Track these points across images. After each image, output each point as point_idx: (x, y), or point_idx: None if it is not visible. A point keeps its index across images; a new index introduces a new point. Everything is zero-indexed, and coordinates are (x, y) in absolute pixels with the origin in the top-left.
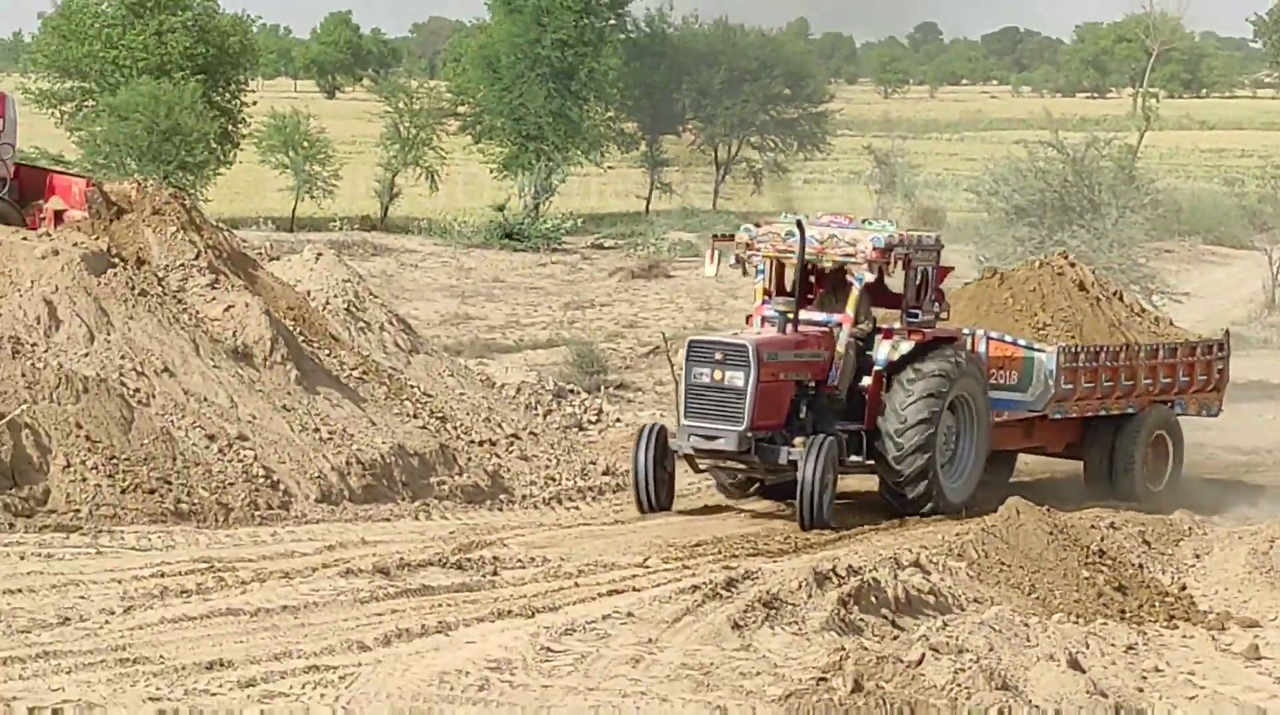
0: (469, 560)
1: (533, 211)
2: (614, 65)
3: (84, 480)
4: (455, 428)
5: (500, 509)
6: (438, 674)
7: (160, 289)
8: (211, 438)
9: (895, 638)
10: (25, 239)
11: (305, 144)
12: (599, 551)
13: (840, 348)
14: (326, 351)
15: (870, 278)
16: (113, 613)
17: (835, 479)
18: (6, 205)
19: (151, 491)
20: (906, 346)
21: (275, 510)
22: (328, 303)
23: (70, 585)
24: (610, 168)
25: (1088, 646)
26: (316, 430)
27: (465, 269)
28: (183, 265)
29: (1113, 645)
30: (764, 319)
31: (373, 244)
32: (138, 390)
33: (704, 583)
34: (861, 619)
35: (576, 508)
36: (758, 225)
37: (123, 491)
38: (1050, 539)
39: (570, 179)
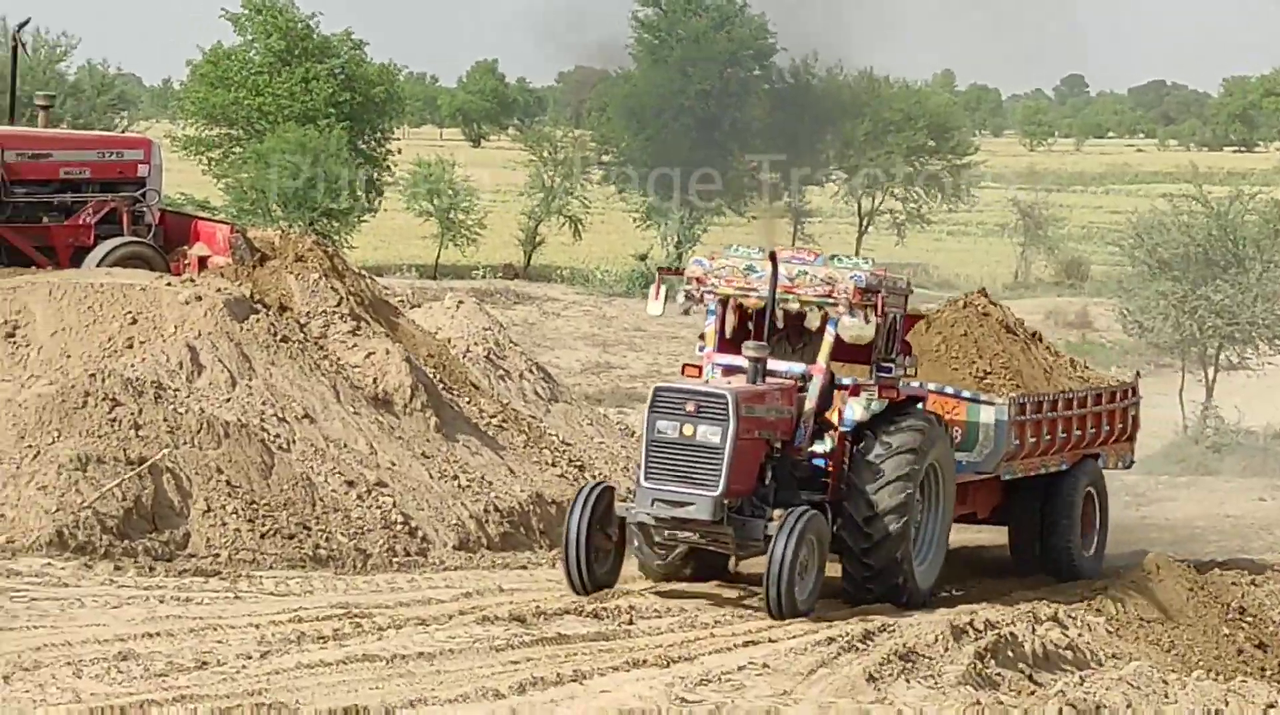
0: (605, 609)
1: (675, 261)
2: (758, 115)
3: (224, 525)
4: (593, 476)
5: (637, 558)
6: None
7: (302, 335)
8: (351, 484)
9: (1032, 693)
10: (169, 285)
11: (450, 192)
12: (734, 602)
13: (810, 404)
14: (466, 399)
15: (850, 322)
16: (250, 657)
17: (820, 560)
18: (152, 251)
19: (290, 537)
20: (879, 406)
21: (413, 557)
22: (468, 350)
23: (208, 629)
24: (753, 217)
25: (1227, 704)
26: (455, 477)
27: (607, 318)
28: (324, 312)
29: (1252, 703)
30: (723, 368)
31: (515, 292)
32: (278, 436)
33: (840, 635)
34: (998, 674)
35: None
36: (712, 258)
37: (262, 536)
38: (1190, 595)
39: (712, 228)
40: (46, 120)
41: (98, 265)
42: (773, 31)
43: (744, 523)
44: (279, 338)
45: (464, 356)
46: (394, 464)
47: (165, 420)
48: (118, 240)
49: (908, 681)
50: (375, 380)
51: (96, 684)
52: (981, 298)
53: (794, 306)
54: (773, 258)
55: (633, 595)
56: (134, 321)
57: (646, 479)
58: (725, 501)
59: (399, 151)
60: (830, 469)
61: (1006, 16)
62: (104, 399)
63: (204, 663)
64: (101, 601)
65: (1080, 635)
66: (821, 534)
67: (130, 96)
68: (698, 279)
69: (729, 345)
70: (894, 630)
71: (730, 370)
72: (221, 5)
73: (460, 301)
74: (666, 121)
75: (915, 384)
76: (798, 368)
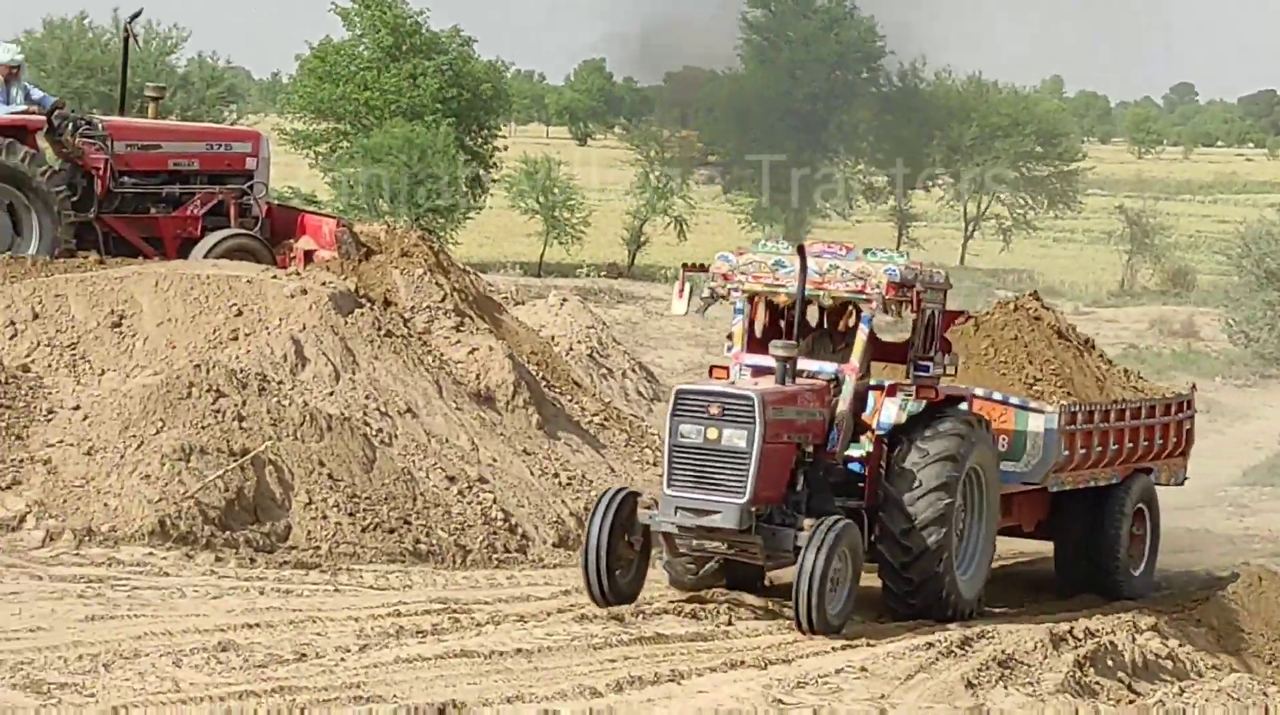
0: (704, 609)
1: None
2: (865, 118)
3: (324, 517)
4: None
5: (665, 571)
6: None
7: (406, 330)
8: (452, 479)
9: (1131, 702)
10: (275, 278)
11: (555, 190)
12: None
13: (844, 406)
14: (568, 397)
15: (884, 319)
16: (348, 650)
17: (854, 572)
18: (258, 243)
19: (391, 531)
20: (916, 407)
21: (513, 553)
22: (571, 348)
23: (308, 621)
24: (858, 221)
25: None
26: (556, 475)
27: (709, 318)
28: (429, 307)
29: None
30: (751, 370)
31: (618, 291)
32: (380, 430)
33: (938, 640)
34: (1097, 682)
35: None
36: (739, 253)
37: (362, 530)
38: None
39: (817, 231)
40: (156, 112)
41: (204, 257)
42: (881, 35)
43: (774, 532)
44: (383, 332)
45: (567, 354)
46: (495, 460)
47: (269, 412)
48: (224, 232)
49: (1006, 688)
50: (478, 376)
51: (196, 674)
52: (1033, 301)
53: (826, 302)
54: (800, 251)
55: (732, 595)
56: (239, 314)
57: (670, 486)
58: (753, 509)
59: (505, 149)
60: (867, 474)
61: (1115, 23)
62: (208, 390)
63: (303, 655)
64: (202, 592)
65: (1180, 645)
66: (855, 545)
67: (239, 90)
68: (724, 275)
69: (760, 345)
70: (993, 636)
71: (760, 371)
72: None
73: (564, 299)
74: (773, 123)
75: (962, 388)
76: (830, 368)
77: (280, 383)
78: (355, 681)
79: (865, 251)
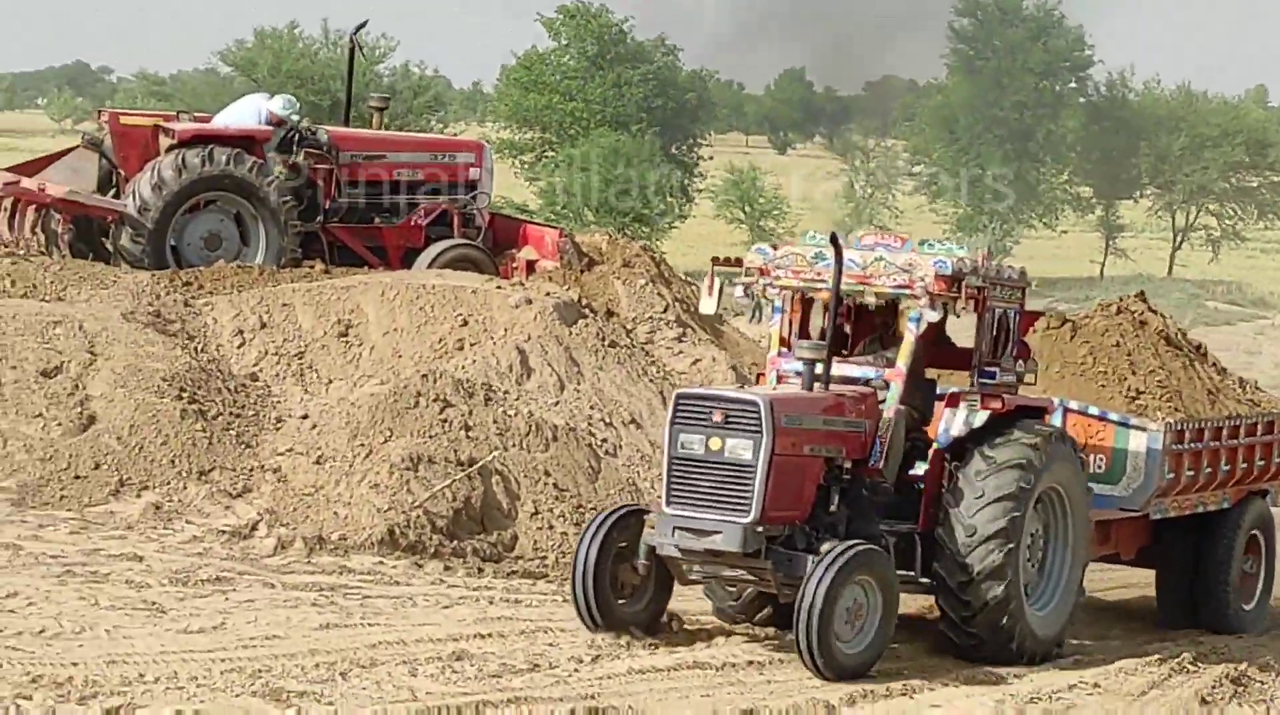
0: (932, 620)
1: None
2: (1072, 128)
3: (550, 527)
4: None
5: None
6: None
7: (629, 341)
8: None
9: None
10: (500, 288)
11: (761, 199)
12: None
13: (888, 415)
14: None
15: (934, 317)
16: (581, 661)
17: (884, 606)
18: (481, 253)
19: None
20: (980, 418)
21: None
22: None
23: (539, 631)
24: (1064, 232)
25: None
26: None
27: None
28: (651, 317)
29: None
30: (780, 376)
31: None
32: (605, 440)
33: (1170, 656)
34: None
35: None
36: (775, 247)
37: None
38: None
39: (1023, 241)
40: (380, 121)
41: (428, 267)
42: (1090, 44)
43: (790, 557)
44: (607, 343)
45: None
46: None
47: (495, 422)
48: (448, 242)
49: (1240, 705)
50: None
51: (432, 683)
52: (1139, 302)
53: (870, 300)
54: (834, 242)
55: None
56: (465, 323)
57: (669, 503)
58: (760, 530)
59: (710, 158)
60: (924, 492)
61: None
62: (435, 400)
63: (536, 665)
64: (433, 601)
65: None
66: (882, 574)
67: (443, 99)
68: (760, 270)
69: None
70: (1225, 653)
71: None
72: (537, 9)
73: None
74: (979, 133)
75: (1054, 401)
76: (872, 373)
77: (506, 393)
78: (590, 693)
79: (921, 243)
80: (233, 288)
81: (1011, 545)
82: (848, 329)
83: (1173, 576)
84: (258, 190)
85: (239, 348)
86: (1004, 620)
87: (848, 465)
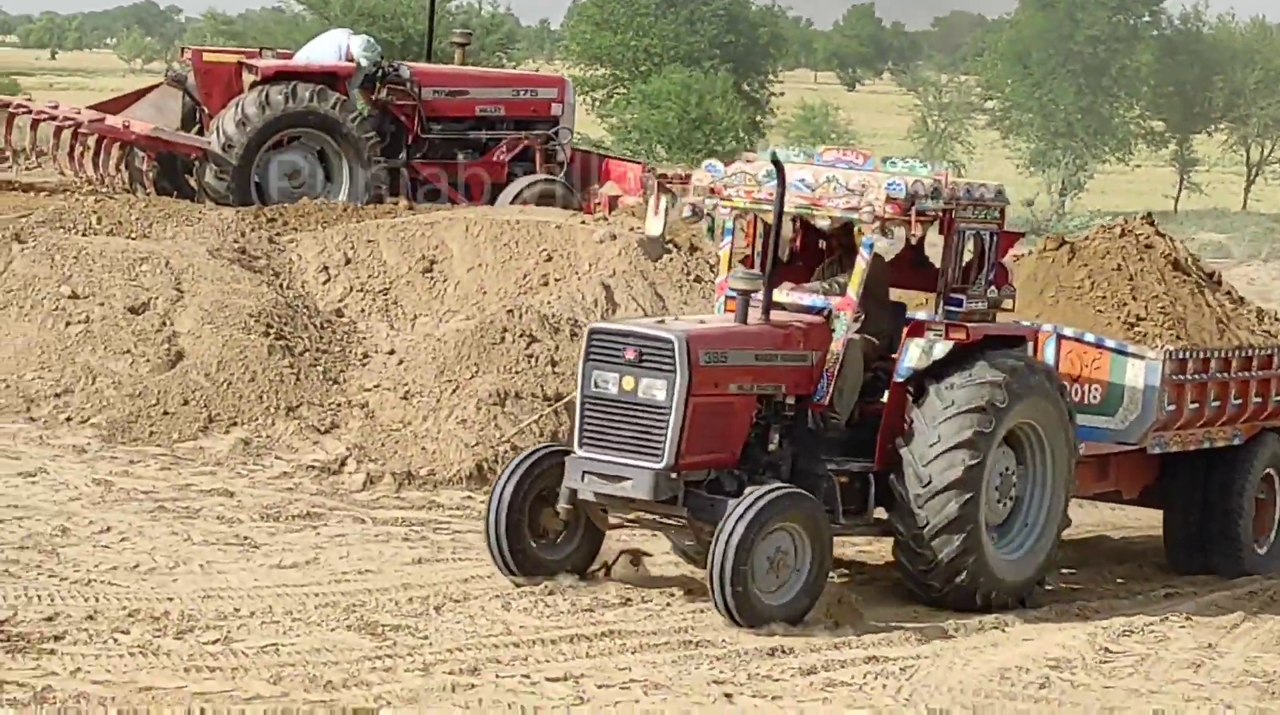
0: None
1: (1060, 208)
2: (1146, 62)
3: None
4: None
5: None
6: (998, 670)
7: (713, 275)
8: None
9: None
10: (584, 223)
11: (833, 135)
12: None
13: (835, 347)
14: None
15: (883, 244)
16: (674, 595)
17: (812, 552)
18: (564, 189)
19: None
20: (941, 350)
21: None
22: None
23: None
24: (1137, 166)
25: None
26: None
27: None
28: None
29: None
30: (730, 300)
31: None
32: None
33: (1260, 589)
34: None
35: None
36: (727, 163)
37: None
38: None
39: (1096, 176)
40: (463, 58)
41: (511, 202)
42: None
43: (711, 503)
44: (691, 277)
45: None
46: None
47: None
48: (531, 178)
49: None
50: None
51: (525, 617)
52: (1146, 225)
53: (822, 223)
54: (775, 161)
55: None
56: (549, 259)
57: (581, 445)
58: (675, 476)
59: (782, 94)
60: (880, 429)
61: None
62: (520, 335)
63: (628, 600)
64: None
65: None
66: (810, 520)
67: (514, 36)
68: (710, 189)
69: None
70: None
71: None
72: None
73: (1019, 256)
74: (1053, 67)
75: (1046, 327)
76: (820, 301)
77: None
78: (684, 626)
79: (884, 160)
80: (317, 224)
81: (969, 495)
82: (796, 254)
83: (1181, 517)
84: (341, 126)
85: (324, 284)
86: (962, 573)
87: (790, 401)
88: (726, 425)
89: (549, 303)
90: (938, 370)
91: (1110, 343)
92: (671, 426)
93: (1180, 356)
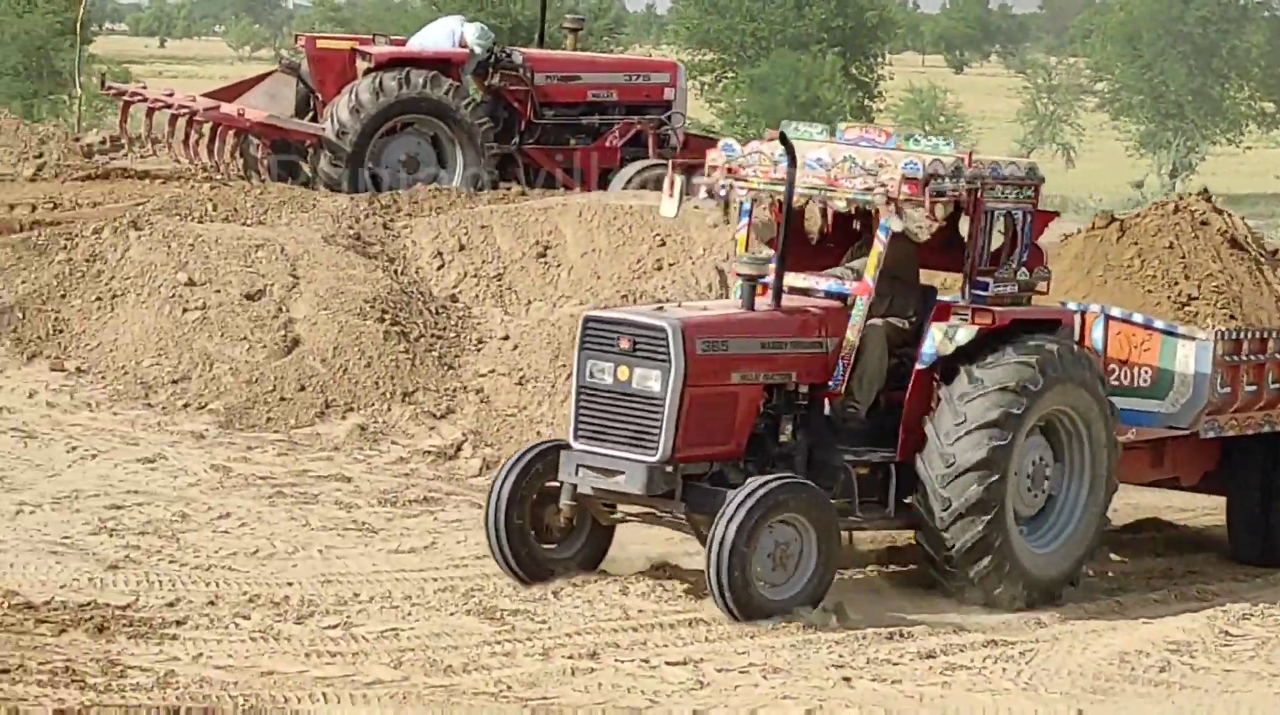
0: (1134, 540)
1: (1170, 189)
2: (1257, 43)
3: None
4: None
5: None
6: (1117, 653)
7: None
8: None
9: None
10: (697, 207)
11: (942, 118)
12: None
13: (851, 335)
14: None
15: (897, 226)
16: None
17: (818, 546)
18: None
19: None
20: (965, 335)
21: None
22: None
23: None
24: (1248, 148)
25: None
26: None
27: None
28: None
29: None
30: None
31: None
32: None
33: None
34: None
35: None
36: (743, 142)
37: None
38: None
39: (1207, 158)
40: (575, 43)
41: (623, 188)
42: None
43: (713, 496)
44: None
45: None
46: None
47: None
48: (644, 163)
49: None
50: None
51: (643, 601)
52: (1202, 202)
53: (839, 204)
54: (783, 141)
55: (1168, 529)
56: (663, 243)
57: (577, 438)
58: (671, 469)
59: (890, 77)
60: (903, 418)
61: None
62: None
63: None
64: (631, 525)
65: None
66: (816, 512)
67: (622, 21)
68: (727, 169)
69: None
70: None
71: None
72: None
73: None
74: (1163, 48)
75: (1094, 307)
76: (836, 286)
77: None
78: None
79: (907, 138)
80: (431, 210)
81: (995, 477)
82: (827, 236)
83: (1245, 504)
84: (454, 112)
85: (438, 270)
86: (984, 560)
87: (803, 390)
88: (729, 416)
89: (663, 288)
90: (966, 357)
91: (1159, 323)
92: (667, 418)
93: (1234, 336)
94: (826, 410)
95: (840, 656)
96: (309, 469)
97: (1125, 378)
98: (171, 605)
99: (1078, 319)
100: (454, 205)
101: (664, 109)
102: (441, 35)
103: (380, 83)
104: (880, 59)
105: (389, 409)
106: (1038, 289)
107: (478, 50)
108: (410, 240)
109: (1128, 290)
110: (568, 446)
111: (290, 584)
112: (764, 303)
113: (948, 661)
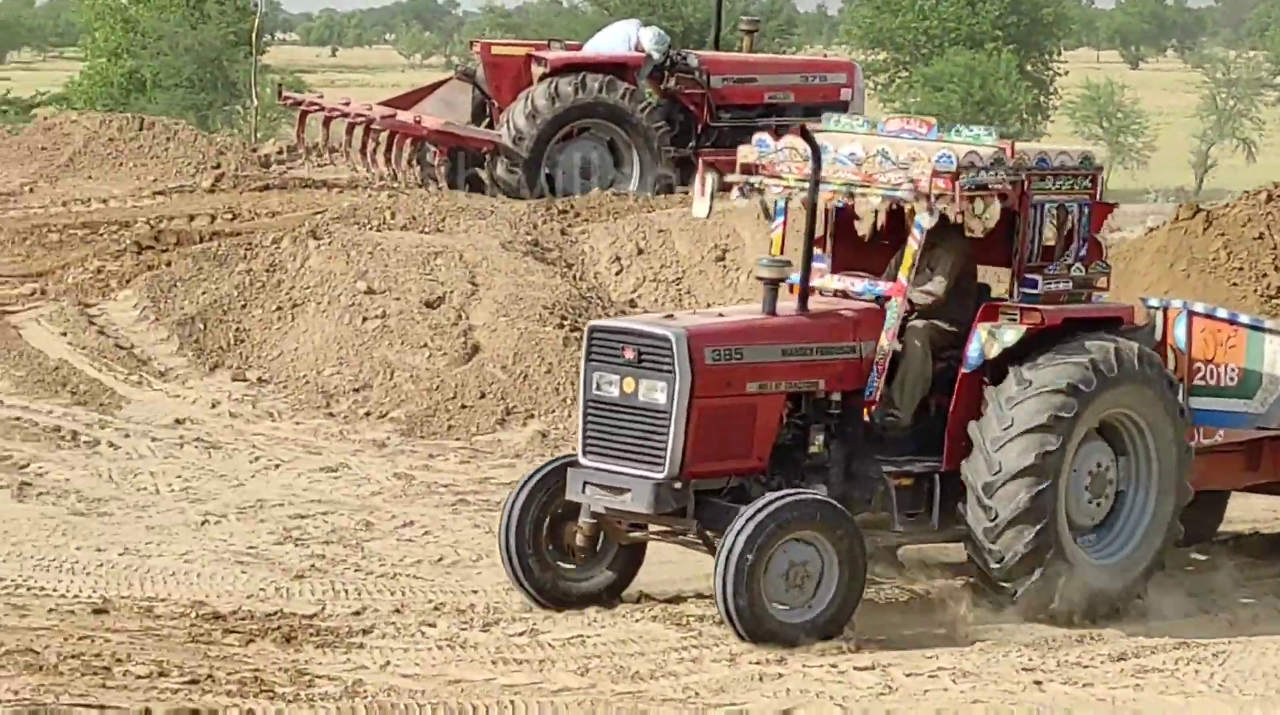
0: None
1: None
2: None
3: None
4: None
5: None
6: None
7: None
8: None
9: None
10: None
11: (1119, 114)
12: None
13: (884, 341)
14: None
15: (929, 222)
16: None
17: (840, 565)
18: None
19: None
20: (1011, 336)
21: None
22: None
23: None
24: None
25: None
26: None
27: None
28: None
29: None
30: (791, 288)
31: None
32: None
33: None
34: None
35: None
36: (776, 135)
37: None
38: None
39: None
40: (751, 44)
41: None
42: None
43: (728, 513)
44: None
45: None
46: None
47: None
48: None
49: None
50: None
51: None
52: None
53: (874, 201)
54: (804, 135)
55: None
56: None
57: (585, 454)
58: (679, 486)
59: (1066, 74)
60: (948, 426)
61: None
62: None
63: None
64: None
65: None
66: (835, 530)
67: (794, 21)
68: (759, 167)
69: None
70: None
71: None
72: None
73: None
74: None
75: (1176, 303)
76: (869, 288)
77: None
78: (986, 616)
79: (951, 130)
80: (608, 215)
81: (1045, 484)
82: (879, 234)
83: None
84: (630, 117)
85: (617, 274)
86: (1036, 572)
87: (835, 398)
88: (747, 428)
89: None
90: (1017, 358)
91: (1244, 318)
92: (673, 432)
93: None
94: (865, 418)
95: (1030, 660)
96: (491, 476)
97: (1211, 377)
98: (358, 614)
99: (1159, 317)
100: (631, 210)
101: (842, 109)
102: (617, 39)
103: (556, 88)
104: (1055, 55)
105: (569, 415)
106: (1098, 285)
107: (654, 54)
108: (588, 245)
109: (1211, 284)
110: (564, 464)
111: (475, 591)
112: (789, 306)
113: (1139, 664)
